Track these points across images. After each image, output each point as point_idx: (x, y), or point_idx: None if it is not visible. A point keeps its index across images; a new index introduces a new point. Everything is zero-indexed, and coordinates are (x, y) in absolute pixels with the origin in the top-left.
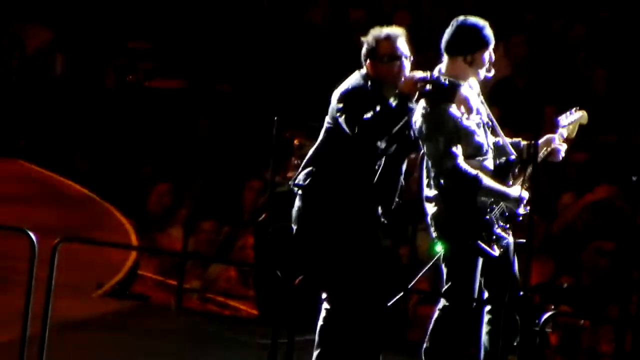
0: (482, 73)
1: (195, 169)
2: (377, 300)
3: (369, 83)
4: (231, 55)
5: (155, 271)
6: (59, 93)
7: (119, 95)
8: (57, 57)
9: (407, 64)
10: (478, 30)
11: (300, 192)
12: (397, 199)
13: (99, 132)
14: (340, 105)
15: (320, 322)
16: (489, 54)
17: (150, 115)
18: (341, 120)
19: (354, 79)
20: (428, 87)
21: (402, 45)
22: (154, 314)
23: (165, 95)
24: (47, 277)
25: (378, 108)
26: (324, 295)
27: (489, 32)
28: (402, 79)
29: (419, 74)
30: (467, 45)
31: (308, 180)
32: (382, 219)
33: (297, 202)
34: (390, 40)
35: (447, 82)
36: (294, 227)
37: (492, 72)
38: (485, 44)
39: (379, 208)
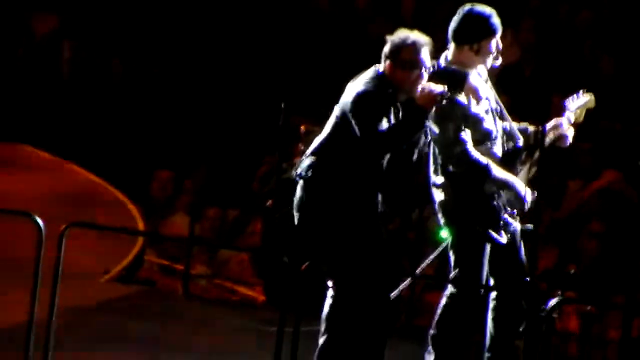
0: (490, 61)
1: (200, 155)
2: (381, 287)
3: (384, 84)
4: (238, 43)
5: (161, 257)
6: (66, 80)
7: (125, 81)
8: (65, 44)
9: (425, 75)
10: (484, 18)
11: (302, 182)
12: (402, 189)
13: (105, 119)
14: (355, 109)
15: (325, 309)
16: (496, 42)
17: (156, 101)
18: (354, 123)
19: (369, 78)
20: (444, 102)
21: (425, 55)
22: (160, 300)
23: (171, 82)
24: (55, 262)
25: (393, 120)
26: (329, 283)
27: (495, 20)
28: (419, 89)
29: (438, 88)
30: (474, 34)
31: (310, 172)
32: (383, 208)
33: (299, 192)
34: (415, 47)
35: (455, 72)
36: (296, 216)
37: (500, 60)
38: (491, 32)
39: (379, 197)
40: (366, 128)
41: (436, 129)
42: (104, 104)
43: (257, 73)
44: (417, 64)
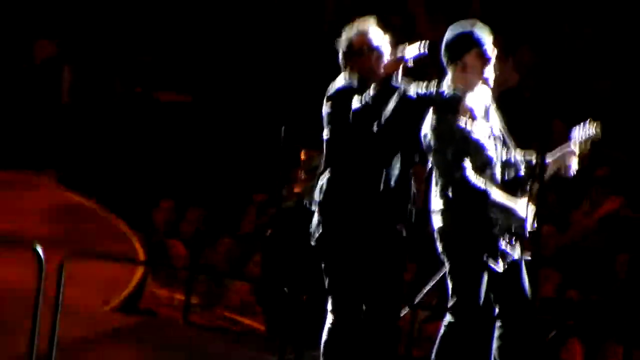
0: (485, 77)
1: (200, 183)
2: (387, 315)
3: (354, 81)
4: (237, 67)
5: (162, 285)
6: (66, 106)
7: (125, 107)
8: (65, 70)
9: (385, 50)
10: (463, 34)
11: (317, 207)
12: (410, 206)
13: (105, 145)
14: (329, 110)
15: (324, 336)
16: (481, 55)
17: (155, 127)
18: (333, 123)
19: (338, 81)
20: (410, 63)
21: (375, 36)
22: (161, 329)
23: (170, 108)
24: (55, 292)
25: (364, 98)
26: (329, 308)
27: (477, 33)
28: (383, 65)
29: (398, 53)
30: (455, 52)
31: (322, 196)
32: (398, 229)
33: (316, 217)
34: (361, 34)
35: (448, 94)
36: (312, 240)
37: (493, 74)
38: (472, 45)
39: (395, 218)
40: (342, 114)
41: (436, 154)
42: (104, 129)
43: (258, 98)
44: (370, 46)
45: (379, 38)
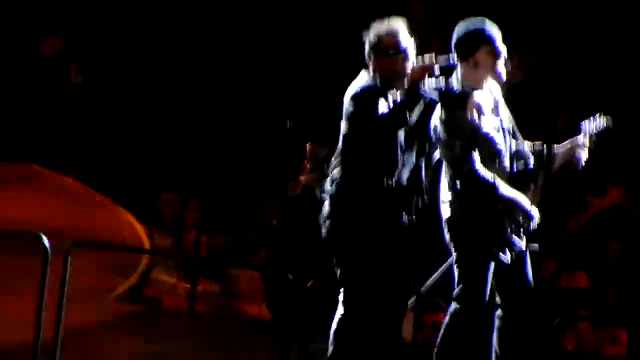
0: (497, 74)
1: (207, 174)
2: (396, 307)
3: (377, 80)
4: (243, 62)
5: (167, 274)
6: (74, 100)
7: (134, 100)
8: (72, 66)
9: (412, 54)
10: (475, 30)
11: (328, 199)
12: (421, 200)
13: (113, 137)
14: (353, 109)
15: (334, 326)
16: (494, 52)
17: (162, 121)
18: (356, 122)
19: (361, 79)
20: (437, 71)
21: (404, 38)
22: (166, 318)
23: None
24: (60, 281)
25: (390, 103)
26: (340, 299)
27: (489, 30)
28: (409, 70)
29: (426, 59)
30: (467, 48)
31: (335, 188)
32: (409, 221)
33: (327, 207)
34: (392, 34)
35: (458, 90)
36: (323, 231)
37: (504, 71)
38: (484, 42)
39: (404, 212)
40: (366, 118)
41: (445, 146)
42: (110, 123)
43: (262, 93)
44: (398, 47)
45: (408, 40)
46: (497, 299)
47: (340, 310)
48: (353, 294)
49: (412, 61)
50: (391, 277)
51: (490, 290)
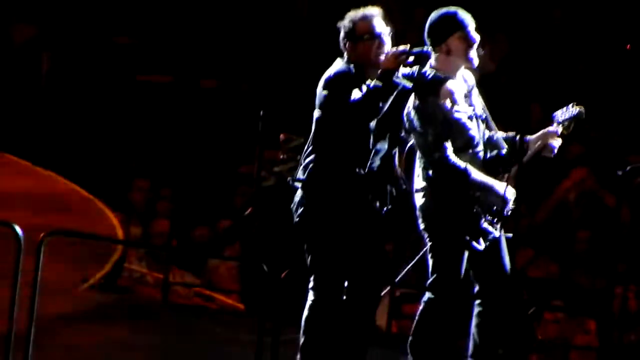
0: (469, 61)
1: (179, 163)
2: (368, 293)
3: (352, 66)
4: (216, 50)
5: (141, 263)
6: (45, 88)
7: (106, 89)
8: (44, 54)
9: (387, 41)
10: (447, 16)
11: (300, 185)
12: (394, 188)
13: (85, 126)
14: (326, 92)
15: (305, 312)
16: (467, 38)
17: (136, 109)
18: (328, 106)
19: (336, 65)
20: (410, 58)
21: (379, 24)
22: (139, 308)
23: (152, 89)
24: (34, 271)
25: (364, 89)
26: (310, 285)
27: (461, 16)
28: (383, 57)
29: (400, 47)
30: (439, 34)
31: (306, 174)
32: (383, 210)
33: (298, 194)
34: (366, 19)
35: (430, 76)
36: (295, 218)
37: (477, 58)
38: (456, 28)
39: (376, 199)
40: (339, 103)
41: (418, 134)
42: (81, 112)
43: (236, 81)
44: (373, 33)
45: (383, 27)
46: (476, 287)
47: (310, 296)
48: (322, 281)
49: (387, 48)
50: (361, 263)
51: (467, 279)
